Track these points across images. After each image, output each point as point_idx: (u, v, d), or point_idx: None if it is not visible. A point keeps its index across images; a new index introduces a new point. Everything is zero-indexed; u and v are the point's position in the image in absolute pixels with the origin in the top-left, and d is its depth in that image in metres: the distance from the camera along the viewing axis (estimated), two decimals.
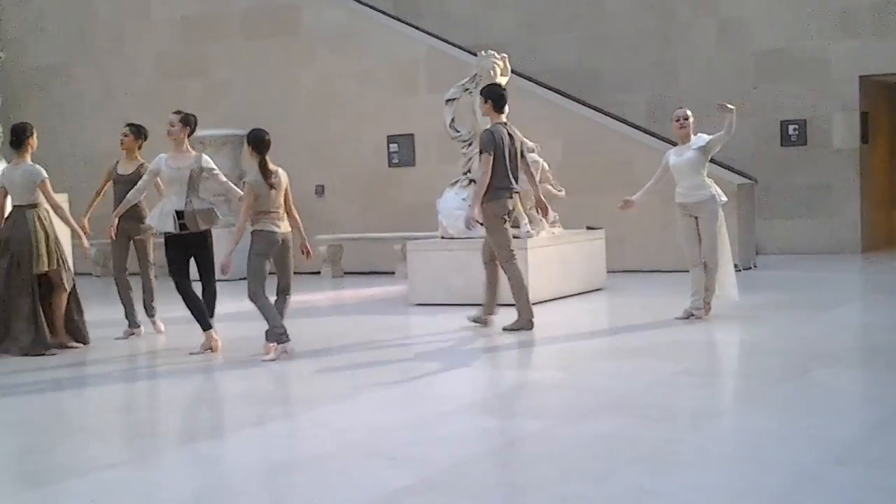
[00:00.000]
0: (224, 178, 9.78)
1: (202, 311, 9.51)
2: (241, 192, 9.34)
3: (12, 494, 5.49)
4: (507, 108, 10.48)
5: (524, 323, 10.12)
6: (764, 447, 5.67)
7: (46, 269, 9.72)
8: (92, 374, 9.09)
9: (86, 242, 9.95)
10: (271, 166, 9.25)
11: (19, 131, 9.88)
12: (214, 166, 9.67)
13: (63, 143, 18.49)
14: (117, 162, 10.67)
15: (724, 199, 10.57)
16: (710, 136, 10.37)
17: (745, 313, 10.77)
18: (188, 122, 9.72)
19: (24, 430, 6.90)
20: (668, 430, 6.12)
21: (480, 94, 10.62)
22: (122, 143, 10.67)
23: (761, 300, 11.79)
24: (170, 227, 9.35)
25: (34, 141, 9.94)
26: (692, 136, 10.48)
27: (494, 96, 10.37)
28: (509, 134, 10.22)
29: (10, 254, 9.69)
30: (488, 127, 10.31)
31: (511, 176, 10.16)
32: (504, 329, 10.06)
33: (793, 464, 5.30)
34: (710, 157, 10.48)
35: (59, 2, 20.29)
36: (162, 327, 10.70)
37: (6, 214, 9.86)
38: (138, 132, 10.71)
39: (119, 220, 10.25)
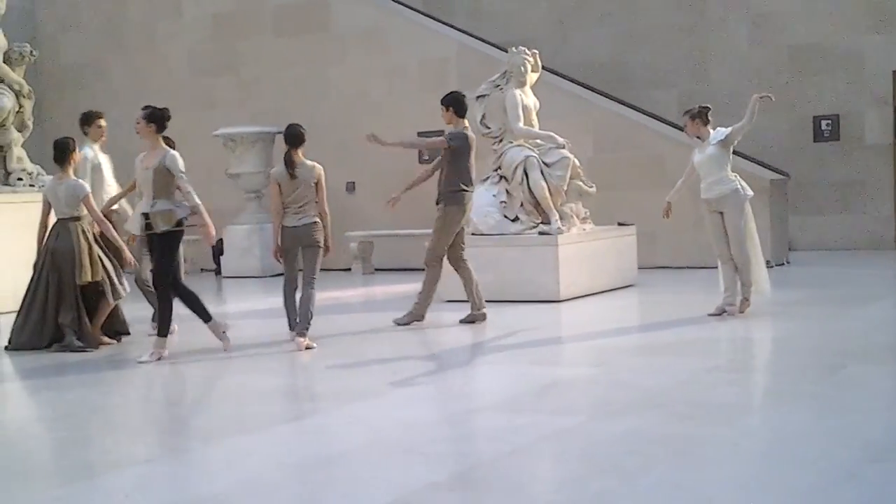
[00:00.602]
0: (185, 184, 9.20)
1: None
2: (197, 202, 9.14)
3: (49, 489, 5.54)
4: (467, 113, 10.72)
5: (416, 317, 10.42)
6: (797, 444, 5.64)
7: (89, 279, 9.84)
8: (126, 370, 9.15)
9: (128, 255, 10.03)
10: (298, 159, 9.34)
11: (62, 147, 9.99)
12: (179, 166, 9.16)
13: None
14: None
15: (750, 193, 10.49)
16: (730, 128, 10.32)
17: (777, 309, 10.72)
18: (153, 118, 9.23)
19: (61, 425, 6.96)
20: (701, 427, 6.10)
21: (442, 102, 10.61)
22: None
23: (794, 296, 11.73)
24: (136, 228, 9.40)
25: (77, 156, 10.09)
26: (710, 131, 10.36)
27: (456, 103, 10.50)
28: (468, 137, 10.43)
29: (57, 266, 9.85)
30: (455, 130, 10.44)
31: (472, 179, 10.46)
32: (395, 322, 10.40)
33: (826, 461, 5.28)
34: (731, 149, 10.41)
35: (91, 0, 20.43)
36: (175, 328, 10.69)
37: (49, 228, 10.04)
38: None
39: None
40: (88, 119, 10.97)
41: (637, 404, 6.76)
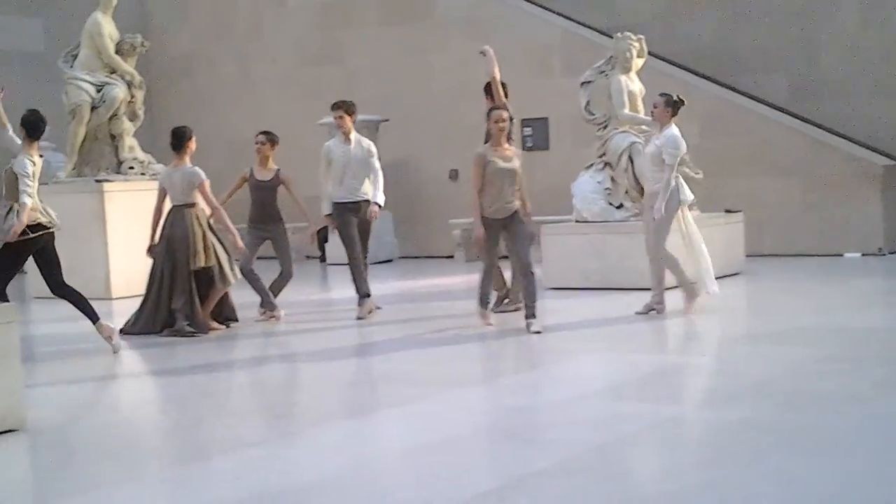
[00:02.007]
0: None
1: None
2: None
3: (160, 471, 5.67)
4: None
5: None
6: None
7: (202, 265, 10.02)
8: (235, 355, 9.32)
9: (240, 242, 10.20)
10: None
11: (180, 134, 10.22)
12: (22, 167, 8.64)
13: (204, 130, 18.89)
14: (252, 168, 10.88)
15: (690, 198, 10.08)
16: (678, 150, 9.75)
17: (893, 300, 10.46)
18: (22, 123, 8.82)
19: (172, 409, 7.12)
20: (811, 416, 5.99)
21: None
22: (258, 151, 10.88)
23: None
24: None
25: (193, 144, 10.26)
26: (672, 125, 9.89)
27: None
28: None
29: (172, 252, 10.04)
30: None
31: None
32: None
33: None
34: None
35: None
36: (281, 313, 10.83)
37: (165, 214, 10.23)
38: (273, 139, 10.93)
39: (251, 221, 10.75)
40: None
41: (745, 393, 6.66)
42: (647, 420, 6.11)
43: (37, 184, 8.77)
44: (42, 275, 9.11)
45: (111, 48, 14.27)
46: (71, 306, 9.12)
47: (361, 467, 5.42)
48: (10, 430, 6.35)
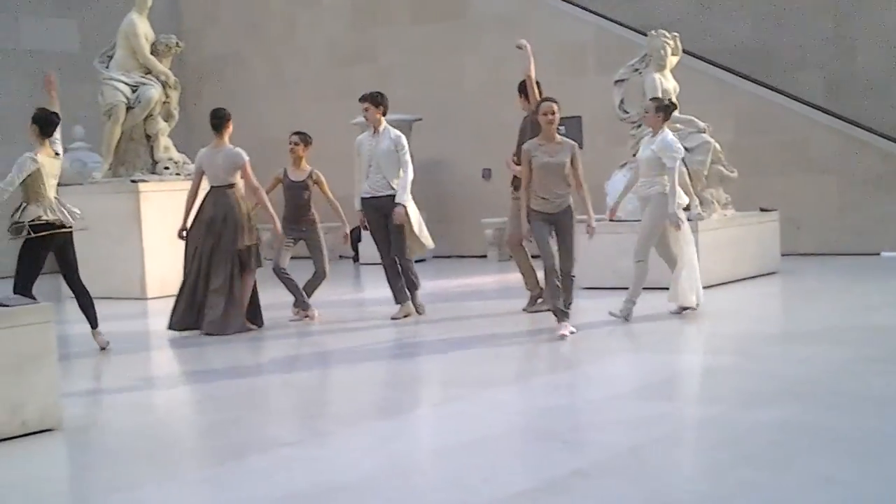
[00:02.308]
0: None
1: None
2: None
3: (195, 470, 5.69)
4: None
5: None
6: None
7: (248, 243, 10.06)
8: (269, 355, 9.35)
9: (278, 225, 10.25)
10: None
11: (220, 115, 10.33)
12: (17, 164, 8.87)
13: (237, 130, 18.89)
14: (285, 169, 10.89)
15: (685, 200, 9.96)
16: (676, 157, 9.58)
17: None
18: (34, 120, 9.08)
19: (207, 409, 7.14)
20: (850, 418, 5.93)
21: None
22: (292, 152, 10.87)
23: None
24: None
25: (231, 126, 10.37)
26: (664, 129, 9.73)
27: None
28: None
29: (215, 233, 10.03)
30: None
31: None
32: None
33: None
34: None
35: None
36: (316, 313, 10.85)
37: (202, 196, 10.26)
38: (306, 139, 10.93)
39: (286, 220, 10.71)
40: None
41: (782, 394, 6.61)
42: (683, 421, 6.07)
43: (52, 182, 8.93)
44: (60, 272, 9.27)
45: (146, 49, 14.35)
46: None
47: (396, 467, 5.42)
48: (47, 430, 6.39)
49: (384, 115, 10.59)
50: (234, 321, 10.05)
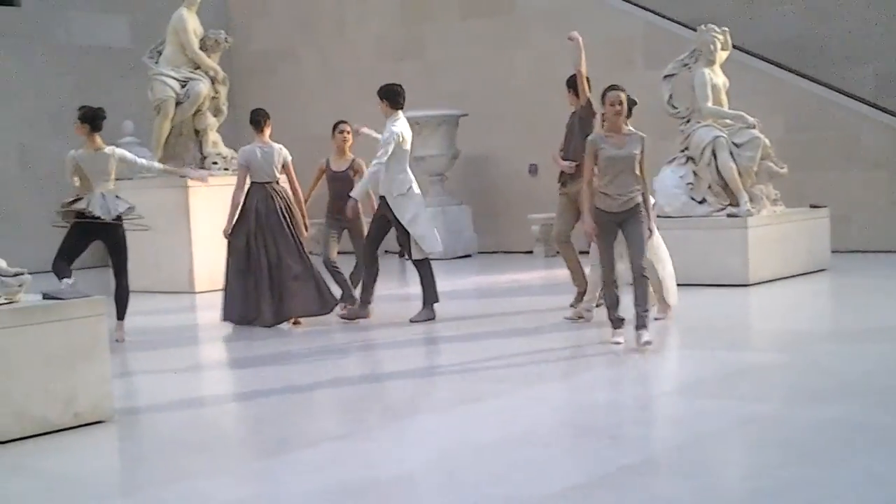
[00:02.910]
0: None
1: None
2: None
3: (246, 463, 5.73)
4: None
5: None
6: None
7: (305, 234, 10.25)
8: (318, 347, 9.38)
9: (306, 226, 10.35)
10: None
11: (262, 113, 10.44)
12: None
13: (286, 125, 19.08)
14: (328, 159, 10.91)
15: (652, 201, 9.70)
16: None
17: None
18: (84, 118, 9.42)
19: (258, 401, 7.18)
20: None
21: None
22: (343, 140, 10.81)
23: None
24: None
25: (270, 123, 10.47)
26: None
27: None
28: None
29: (270, 227, 10.14)
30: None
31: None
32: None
33: None
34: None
35: None
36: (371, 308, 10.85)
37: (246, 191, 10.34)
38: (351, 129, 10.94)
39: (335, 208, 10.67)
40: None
41: (832, 392, 6.55)
42: (732, 417, 6.03)
43: (99, 176, 9.21)
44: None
45: (195, 44, 14.44)
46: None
47: (443, 461, 5.43)
48: (99, 422, 6.46)
49: (393, 108, 10.16)
50: (329, 298, 10.19)
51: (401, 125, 10.07)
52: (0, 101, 16.93)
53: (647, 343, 8.11)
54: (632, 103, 9.27)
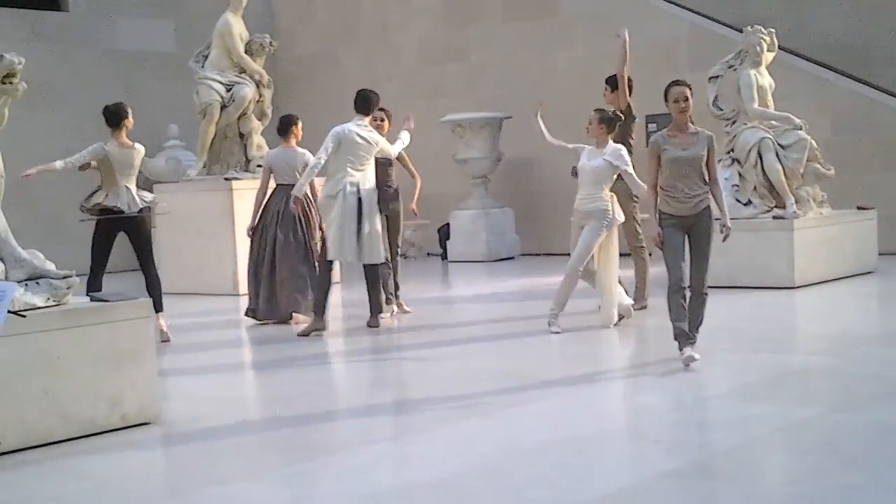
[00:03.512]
0: None
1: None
2: None
3: (283, 466, 5.73)
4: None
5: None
6: None
7: (317, 237, 10.43)
8: (358, 349, 9.40)
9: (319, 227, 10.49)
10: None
11: (287, 121, 10.85)
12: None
13: (330, 128, 19.16)
14: None
15: (620, 219, 9.47)
16: (628, 166, 9.26)
17: None
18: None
19: (297, 404, 7.20)
20: None
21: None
22: (378, 129, 10.85)
23: None
24: None
25: (299, 130, 10.85)
26: (609, 140, 9.44)
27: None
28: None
29: (291, 227, 10.50)
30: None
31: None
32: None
33: None
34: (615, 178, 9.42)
35: None
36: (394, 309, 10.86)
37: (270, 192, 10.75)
38: (389, 115, 11.10)
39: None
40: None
41: (882, 396, 6.47)
42: (779, 422, 5.98)
43: (126, 171, 9.41)
44: None
45: (241, 48, 14.52)
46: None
47: (487, 465, 5.42)
48: (145, 423, 6.51)
49: (370, 117, 10.42)
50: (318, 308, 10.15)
51: (348, 126, 10.10)
52: (46, 105, 17.09)
53: (687, 364, 7.58)
54: (616, 118, 9.64)
